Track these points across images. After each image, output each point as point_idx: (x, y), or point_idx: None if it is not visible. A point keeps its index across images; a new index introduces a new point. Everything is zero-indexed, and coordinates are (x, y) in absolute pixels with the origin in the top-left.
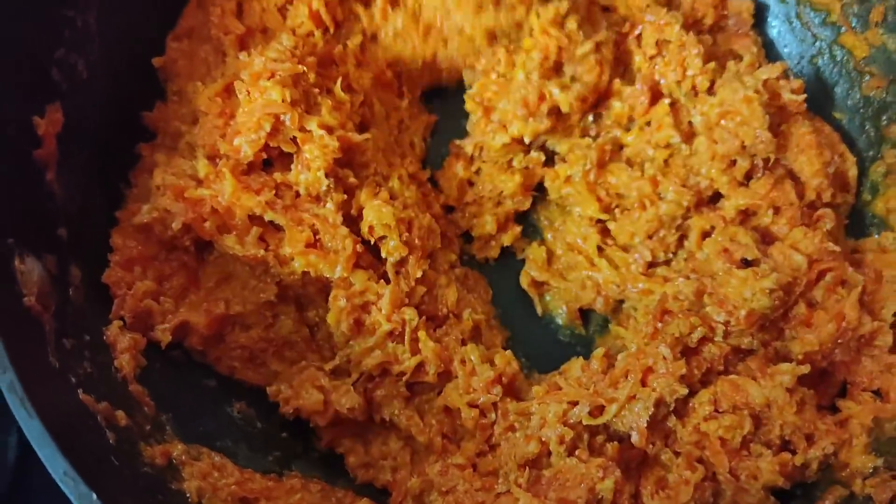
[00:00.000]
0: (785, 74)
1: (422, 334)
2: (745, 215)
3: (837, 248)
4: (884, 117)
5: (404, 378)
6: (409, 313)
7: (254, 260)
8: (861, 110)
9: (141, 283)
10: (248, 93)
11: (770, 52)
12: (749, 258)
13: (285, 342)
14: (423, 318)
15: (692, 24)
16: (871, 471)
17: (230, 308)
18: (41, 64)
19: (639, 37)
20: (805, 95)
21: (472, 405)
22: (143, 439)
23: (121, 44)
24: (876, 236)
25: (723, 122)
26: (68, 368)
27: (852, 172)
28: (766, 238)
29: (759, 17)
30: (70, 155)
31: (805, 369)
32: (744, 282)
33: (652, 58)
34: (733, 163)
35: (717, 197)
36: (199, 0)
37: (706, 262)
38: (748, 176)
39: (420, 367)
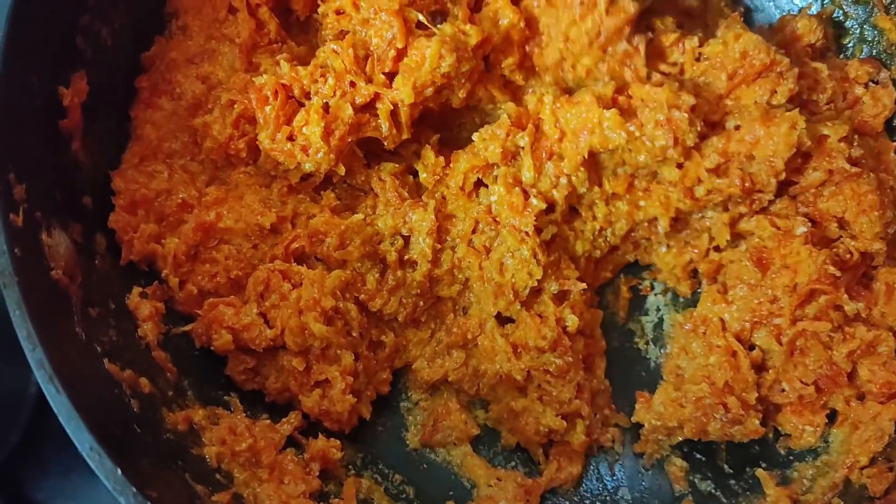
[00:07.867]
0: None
1: None
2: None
3: (838, 273)
4: None
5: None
6: None
7: (279, 154)
8: None
9: (146, 226)
10: None
11: None
12: None
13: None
14: None
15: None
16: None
17: (221, 220)
18: (66, 32)
19: None
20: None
21: None
22: (165, 405)
23: (143, 6)
24: None
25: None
26: (94, 338)
27: None
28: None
29: None
30: (94, 122)
31: None
32: None
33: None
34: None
35: None
36: None
37: None
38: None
39: None
